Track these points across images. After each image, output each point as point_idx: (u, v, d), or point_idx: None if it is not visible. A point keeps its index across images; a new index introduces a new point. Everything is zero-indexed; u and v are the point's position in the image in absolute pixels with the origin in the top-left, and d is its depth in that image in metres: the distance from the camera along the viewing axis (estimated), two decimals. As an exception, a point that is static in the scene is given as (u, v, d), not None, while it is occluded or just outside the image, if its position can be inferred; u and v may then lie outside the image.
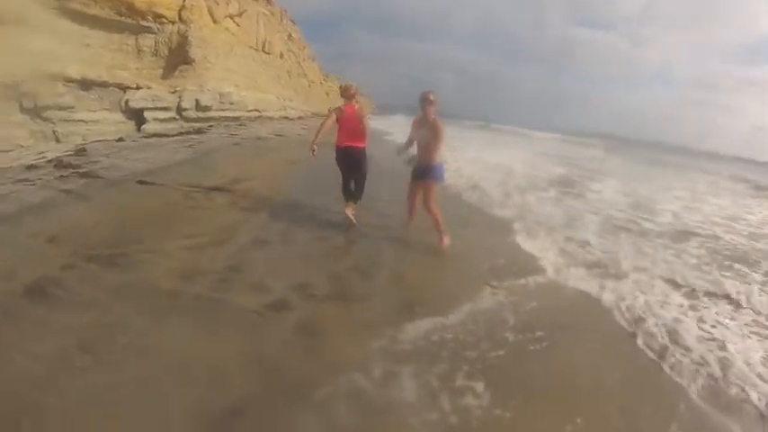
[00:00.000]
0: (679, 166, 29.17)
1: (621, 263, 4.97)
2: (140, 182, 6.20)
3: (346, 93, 5.30)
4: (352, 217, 5.29)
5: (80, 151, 8.20)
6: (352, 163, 5.35)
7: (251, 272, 3.67)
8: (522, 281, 4.17)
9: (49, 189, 5.33)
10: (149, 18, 18.72)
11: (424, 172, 4.83)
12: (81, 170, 6.41)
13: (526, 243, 5.43)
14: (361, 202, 5.55)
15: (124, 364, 2.38)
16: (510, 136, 43.00)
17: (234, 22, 26.61)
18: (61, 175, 5.99)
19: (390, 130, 23.57)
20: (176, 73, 19.78)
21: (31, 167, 6.44)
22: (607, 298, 4.00)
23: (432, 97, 4.74)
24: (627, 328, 3.51)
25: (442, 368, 2.63)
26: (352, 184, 5.50)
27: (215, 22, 23.82)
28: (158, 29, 19.31)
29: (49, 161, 6.95)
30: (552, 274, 4.44)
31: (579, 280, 4.35)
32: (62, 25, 14.69)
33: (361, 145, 5.28)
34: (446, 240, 4.84)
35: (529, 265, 4.64)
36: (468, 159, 13.85)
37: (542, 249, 5.19)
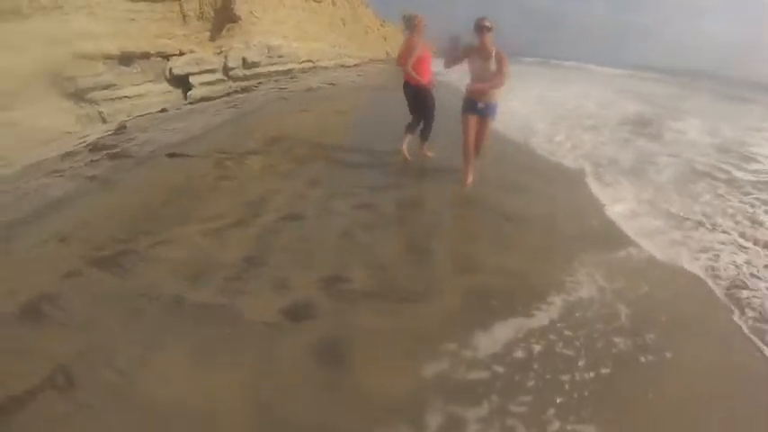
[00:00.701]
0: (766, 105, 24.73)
1: (719, 222, 4.15)
2: (170, 155, 5.72)
3: (408, 24, 4.94)
4: (407, 153, 5.24)
5: (120, 129, 7.95)
6: (409, 96, 5.24)
7: (272, 263, 3.01)
8: (623, 253, 3.24)
9: (76, 179, 4.99)
10: (192, -20, 17.83)
11: (485, 108, 4.52)
12: (113, 151, 6.06)
13: (606, 198, 4.63)
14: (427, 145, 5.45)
15: (102, 409, 1.86)
16: (574, 72, 39.92)
17: (281, -28, 25.17)
18: (92, 160, 5.67)
19: (442, 71, 21.67)
20: (223, 33, 19.14)
21: (66, 156, 6.20)
22: (709, 273, 3.18)
23: (488, 23, 4.25)
24: (738, 320, 2.68)
25: (529, 405, 1.81)
26: (421, 123, 5.34)
27: (261, -26, 22.52)
28: (201, -10, 18.43)
29: (87, 145, 6.69)
30: (645, 244, 3.51)
31: (677, 249, 3.50)
32: (102, 3, 14.34)
33: (416, 81, 5.05)
34: (471, 179, 4.58)
35: (616, 232, 3.74)
36: (530, 98, 12.41)
37: (619, 200, 4.53)
